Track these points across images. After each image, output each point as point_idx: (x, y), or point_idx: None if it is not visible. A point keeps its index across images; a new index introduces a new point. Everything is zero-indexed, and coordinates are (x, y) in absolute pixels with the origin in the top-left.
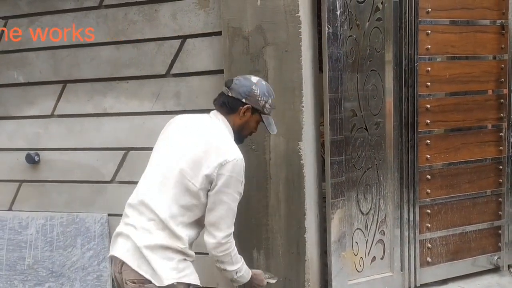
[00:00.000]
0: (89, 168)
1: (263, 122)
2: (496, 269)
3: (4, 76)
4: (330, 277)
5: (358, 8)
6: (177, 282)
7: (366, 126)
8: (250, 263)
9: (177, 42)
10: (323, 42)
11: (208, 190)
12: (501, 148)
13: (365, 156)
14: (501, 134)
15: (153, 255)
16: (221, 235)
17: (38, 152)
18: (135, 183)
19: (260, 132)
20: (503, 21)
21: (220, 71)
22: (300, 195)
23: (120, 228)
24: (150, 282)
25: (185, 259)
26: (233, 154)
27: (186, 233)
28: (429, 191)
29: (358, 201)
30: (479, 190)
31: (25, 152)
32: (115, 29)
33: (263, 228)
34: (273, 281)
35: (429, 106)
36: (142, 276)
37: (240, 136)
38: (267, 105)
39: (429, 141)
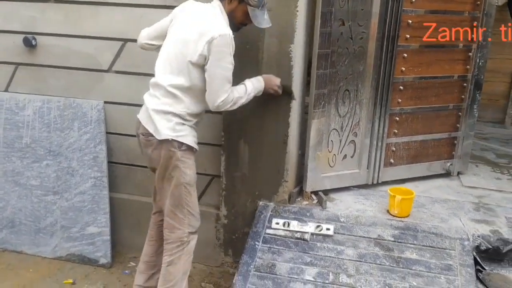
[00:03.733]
0: (86, 56)
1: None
2: (447, 174)
3: None
4: (306, 168)
5: None
6: (172, 139)
7: (351, 36)
8: (237, 152)
9: None
10: None
11: (204, 66)
12: (468, 67)
13: (348, 64)
14: (470, 54)
15: (157, 116)
16: (220, 99)
17: (35, 36)
18: (132, 73)
19: (255, 31)
20: None
21: None
22: (287, 93)
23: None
24: (152, 135)
25: (183, 123)
26: (219, 31)
27: (187, 100)
28: (400, 100)
29: (337, 104)
30: (443, 103)
31: (22, 36)
32: None
33: (252, 124)
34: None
35: (410, 21)
36: (148, 130)
37: (233, 24)
38: None
39: (406, 55)
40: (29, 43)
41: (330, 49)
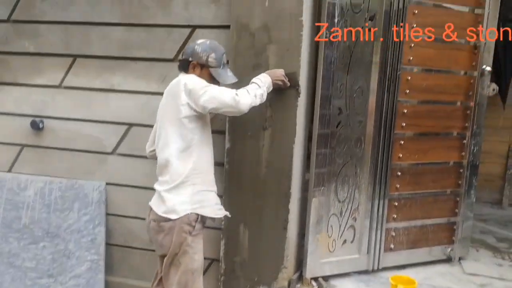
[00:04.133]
0: (92, 138)
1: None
2: (448, 260)
3: (16, 44)
4: (306, 254)
5: (354, 17)
6: (191, 213)
7: (350, 123)
8: (237, 236)
9: (186, 31)
10: (320, 46)
11: (195, 113)
12: (463, 153)
13: (346, 150)
14: (465, 141)
15: (170, 195)
16: (231, 96)
17: (43, 119)
18: (135, 156)
19: (258, 122)
20: (476, 41)
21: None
22: (288, 180)
23: None
24: (165, 219)
25: (199, 191)
26: (184, 79)
27: (193, 159)
28: (398, 186)
29: (336, 189)
30: (441, 189)
31: (30, 118)
32: (128, 12)
33: (252, 209)
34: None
35: (406, 111)
36: (160, 215)
37: None
38: (210, 59)
39: (402, 142)
40: (37, 126)
41: (329, 135)
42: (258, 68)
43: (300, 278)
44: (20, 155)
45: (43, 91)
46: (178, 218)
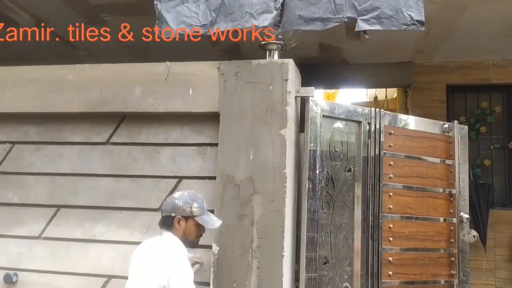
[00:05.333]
0: None
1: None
2: None
3: None
4: None
5: (334, 168)
6: None
7: (337, 274)
8: None
9: (173, 181)
10: (303, 196)
11: None
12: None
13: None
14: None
15: None
16: None
17: (17, 272)
18: None
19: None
20: (451, 190)
21: (211, 212)
22: None
23: None
24: None
25: None
26: (169, 252)
27: None
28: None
29: None
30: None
31: (5, 271)
32: (117, 164)
33: None
34: None
35: (391, 259)
36: None
37: (190, 242)
38: (194, 209)
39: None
40: (10, 280)
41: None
42: (244, 218)
43: None
44: None
45: (20, 242)
46: None
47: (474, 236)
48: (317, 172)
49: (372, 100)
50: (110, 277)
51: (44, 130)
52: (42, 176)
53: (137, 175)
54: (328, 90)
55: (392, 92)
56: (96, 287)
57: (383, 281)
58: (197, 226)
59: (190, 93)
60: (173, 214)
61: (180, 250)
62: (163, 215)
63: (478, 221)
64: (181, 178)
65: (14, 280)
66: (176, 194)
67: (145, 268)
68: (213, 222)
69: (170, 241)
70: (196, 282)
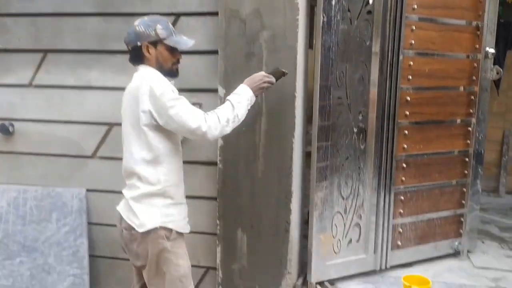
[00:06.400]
0: (68, 141)
1: (171, 46)
2: (456, 254)
3: None
4: (310, 258)
5: (351, 0)
6: (160, 227)
7: (351, 114)
8: (234, 241)
9: (170, 19)
10: (317, 31)
11: (155, 123)
12: (468, 141)
13: (348, 143)
14: (469, 128)
15: (138, 204)
16: (197, 124)
17: (13, 122)
18: (118, 159)
19: (250, 113)
20: (479, 22)
21: (214, 52)
22: (288, 178)
23: None
24: (135, 229)
25: (171, 204)
26: (148, 80)
27: (161, 172)
28: (403, 178)
29: (339, 185)
30: (447, 179)
31: None
32: (104, 1)
33: (250, 210)
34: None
35: (409, 98)
36: (129, 224)
37: (167, 70)
38: (158, 31)
39: (406, 132)
40: (6, 130)
41: (330, 127)
42: (251, 57)
43: (304, 282)
44: None
45: (11, 91)
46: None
47: (497, 73)
48: (333, 3)
49: None
50: (112, 125)
51: None
52: (21, 17)
53: (128, 13)
54: None
55: None
56: (98, 136)
57: (399, 121)
58: (169, 50)
59: None
60: (138, 43)
61: (158, 76)
62: (129, 48)
63: (494, 62)
64: (178, 15)
65: (10, 130)
66: (135, 22)
67: (128, 111)
68: (185, 41)
69: (145, 72)
70: None
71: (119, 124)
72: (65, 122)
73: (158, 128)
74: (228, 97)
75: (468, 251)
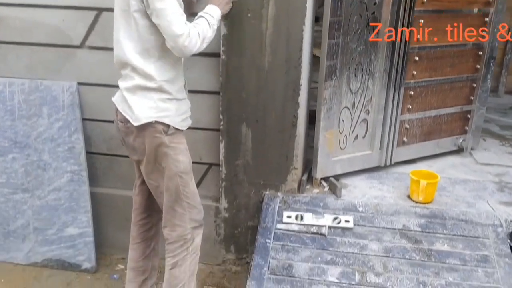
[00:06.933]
0: (54, 29)
1: None
2: (458, 151)
3: None
4: (316, 153)
5: None
6: (155, 121)
7: (365, 1)
8: (238, 137)
9: None
10: None
11: (145, 11)
12: (483, 34)
13: (361, 33)
14: (487, 19)
15: (133, 96)
16: (180, 32)
17: None
18: (109, 49)
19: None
20: None
21: None
22: (297, 70)
23: None
24: (130, 122)
25: (166, 99)
26: None
27: (155, 65)
28: (414, 72)
29: (349, 79)
30: (458, 74)
31: None
32: None
33: (255, 105)
34: None
35: None
36: (125, 116)
37: None
38: None
39: (422, 21)
40: None
41: (343, 15)
42: None
43: (309, 178)
44: None
45: None
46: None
47: None
48: None
49: None
50: (101, 10)
51: None
52: None
53: None
54: None
55: None
56: (86, 22)
57: (415, 9)
58: None
59: None
60: None
61: None
62: None
63: None
64: None
65: None
66: None
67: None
68: None
69: None
70: None
71: (109, 9)
72: (48, 6)
73: (147, 17)
74: (202, 14)
75: (471, 148)
